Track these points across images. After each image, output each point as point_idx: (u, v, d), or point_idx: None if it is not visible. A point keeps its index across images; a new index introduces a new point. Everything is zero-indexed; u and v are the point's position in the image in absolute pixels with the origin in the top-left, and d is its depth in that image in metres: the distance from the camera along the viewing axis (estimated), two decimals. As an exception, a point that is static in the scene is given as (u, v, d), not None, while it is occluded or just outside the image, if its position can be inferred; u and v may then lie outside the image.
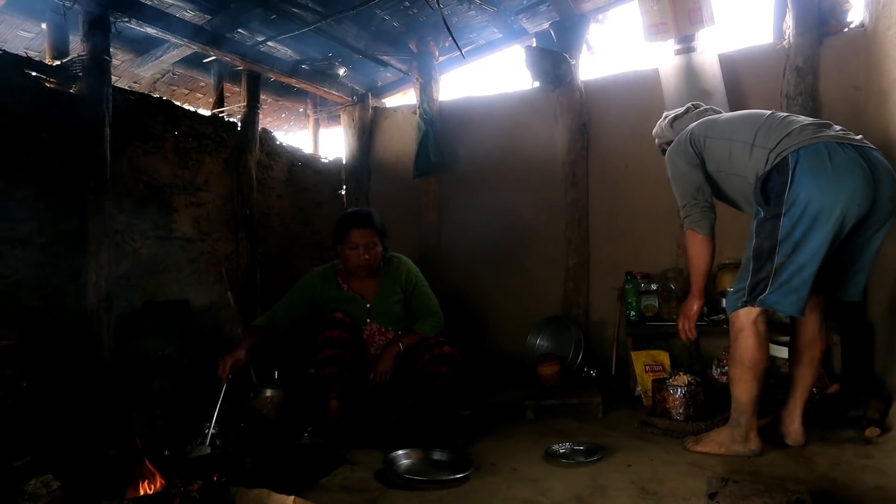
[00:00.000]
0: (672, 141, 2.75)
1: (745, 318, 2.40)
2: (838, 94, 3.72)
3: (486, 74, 5.95)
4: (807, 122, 2.38)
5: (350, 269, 3.21)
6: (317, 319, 3.17)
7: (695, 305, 2.72)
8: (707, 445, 2.51)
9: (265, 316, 3.19)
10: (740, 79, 3.94)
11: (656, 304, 3.83)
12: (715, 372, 3.51)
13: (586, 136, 4.44)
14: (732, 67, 3.94)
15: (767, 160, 2.35)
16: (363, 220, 3.18)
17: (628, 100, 4.31)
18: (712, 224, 2.58)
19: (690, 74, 3.89)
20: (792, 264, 2.28)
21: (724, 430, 2.51)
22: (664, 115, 2.94)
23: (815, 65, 3.78)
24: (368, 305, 3.27)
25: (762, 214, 2.34)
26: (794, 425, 2.57)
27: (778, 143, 2.34)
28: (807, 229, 2.25)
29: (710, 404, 2.95)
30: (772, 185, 2.31)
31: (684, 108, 2.86)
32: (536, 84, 4.54)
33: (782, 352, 3.45)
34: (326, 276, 3.30)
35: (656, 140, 2.98)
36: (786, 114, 2.50)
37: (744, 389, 2.43)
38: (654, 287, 3.85)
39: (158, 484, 2.18)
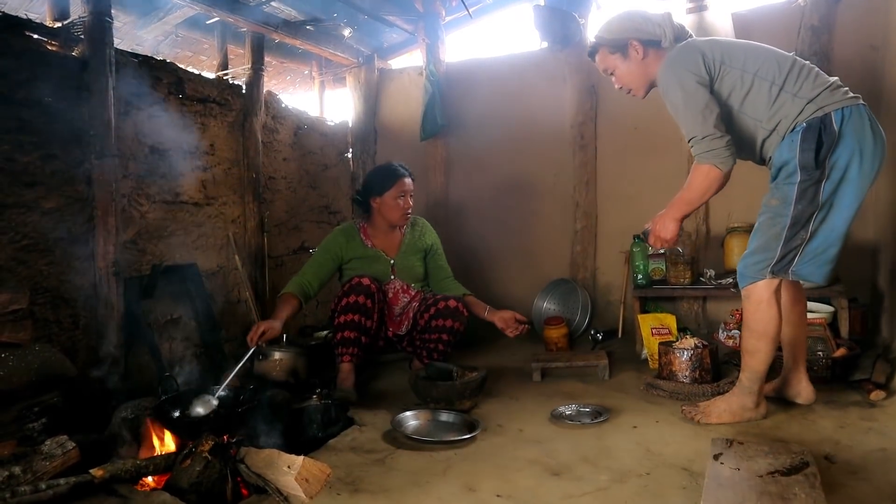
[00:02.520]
0: (646, 40, 2.41)
1: (767, 289, 2.30)
2: (854, 53, 3.64)
3: (494, 35, 5.85)
4: (835, 79, 2.27)
5: (391, 220, 3.31)
6: (343, 281, 3.21)
7: (675, 229, 2.43)
8: (721, 416, 2.43)
9: (294, 283, 3.17)
10: (753, 38, 3.77)
11: (664, 268, 3.82)
12: (721, 335, 3.52)
13: (595, 98, 4.38)
14: (746, 27, 3.84)
15: (802, 111, 2.19)
16: (406, 169, 3.33)
17: (638, 60, 4.23)
18: (734, 163, 2.29)
19: (702, 34, 3.78)
20: (829, 232, 2.21)
21: (734, 399, 2.45)
22: (619, 14, 2.47)
23: (831, 23, 3.69)
24: (392, 262, 3.32)
25: (802, 178, 2.18)
26: (802, 384, 2.57)
27: (818, 96, 2.19)
28: (846, 195, 2.18)
29: (716, 367, 2.96)
30: (820, 146, 2.16)
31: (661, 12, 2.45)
32: (545, 44, 4.47)
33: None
34: (350, 234, 3.35)
35: (627, 33, 2.42)
36: (810, 63, 2.32)
37: (761, 360, 2.38)
38: (661, 250, 3.83)
39: (170, 444, 2.22)
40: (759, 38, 3.82)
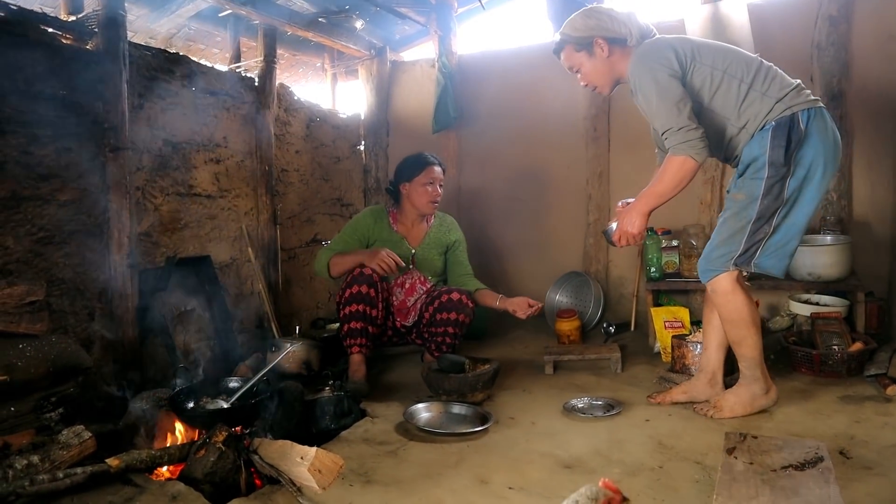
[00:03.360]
0: (611, 38, 2.41)
1: (729, 280, 2.35)
2: (873, 43, 3.59)
3: (507, 26, 5.82)
4: (797, 81, 2.33)
5: (418, 206, 3.34)
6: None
7: (643, 224, 2.40)
8: (734, 409, 2.43)
9: (328, 252, 3.24)
10: (769, 29, 3.80)
11: (677, 261, 3.80)
12: (735, 329, 3.49)
13: (608, 90, 4.34)
14: (761, 17, 3.80)
15: (772, 109, 2.24)
16: (435, 158, 3.40)
17: (652, 51, 4.19)
18: (708, 154, 2.30)
19: (717, 25, 3.77)
20: (791, 227, 2.27)
21: (742, 390, 2.46)
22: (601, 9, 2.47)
23: (850, 13, 3.64)
24: (413, 251, 3.33)
25: (769, 174, 2.23)
26: (718, 387, 2.62)
27: (786, 96, 2.25)
28: (808, 192, 2.25)
29: (729, 361, 2.94)
30: (789, 144, 2.22)
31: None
32: (558, 36, 4.43)
33: (803, 309, 3.42)
34: (378, 215, 3.40)
35: (591, 31, 2.43)
36: (772, 65, 2.35)
37: (751, 345, 2.40)
38: (675, 243, 3.81)
39: (184, 435, 2.24)
40: (776, 29, 3.80)
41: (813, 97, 2.29)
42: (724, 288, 2.36)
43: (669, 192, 2.34)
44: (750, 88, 2.28)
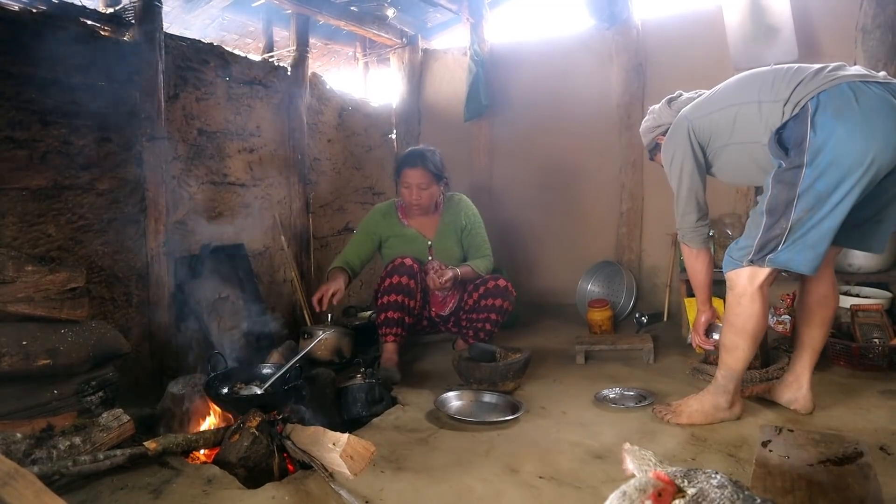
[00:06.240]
0: (664, 131, 2.54)
1: (749, 282, 2.18)
2: (920, 26, 3.46)
3: (539, 11, 5.74)
4: (819, 67, 2.13)
5: (405, 206, 3.31)
6: (385, 262, 3.23)
7: (702, 317, 2.68)
8: (692, 417, 2.32)
9: (339, 259, 3.27)
10: (811, 13, 3.70)
11: (712, 251, 3.73)
12: (770, 320, 3.43)
13: (642, 77, 4.28)
14: (804, 2, 3.69)
15: (783, 113, 2.09)
16: (416, 159, 3.21)
17: (688, 38, 4.10)
18: (706, 237, 2.51)
19: (756, 9, 3.67)
20: (812, 218, 2.05)
21: (707, 398, 2.33)
22: (650, 110, 2.68)
23: (898, -6, 3.51)
24: (430, 243, 3.32)
25: (781, 166, 2.08)
26: (802, 391, 2.40)
27: (792, 93, 2.09)
28: (833, 181, 2.00)
29: (765, 353, 2.89)
30: (789, 135, 2.06)
31: (675, 92, 2.61)
32: (592, 21, 4.37)
33: (843, 301, 3.34)
34: (387, 212, 3.38)
35: (650, 134, 2.66)
36: (794, 64, 2.21)
37: (739, 357, 2.26)
38: (710, 233, 3.74)
39: (219, 420, 2.29)
40: (818, 13, 3.69)
41: (834, 77, 2.06)
42: (739, 288, 2.21)
43: (695, 279, 2.64)
44: (760, 103, 2.17)
